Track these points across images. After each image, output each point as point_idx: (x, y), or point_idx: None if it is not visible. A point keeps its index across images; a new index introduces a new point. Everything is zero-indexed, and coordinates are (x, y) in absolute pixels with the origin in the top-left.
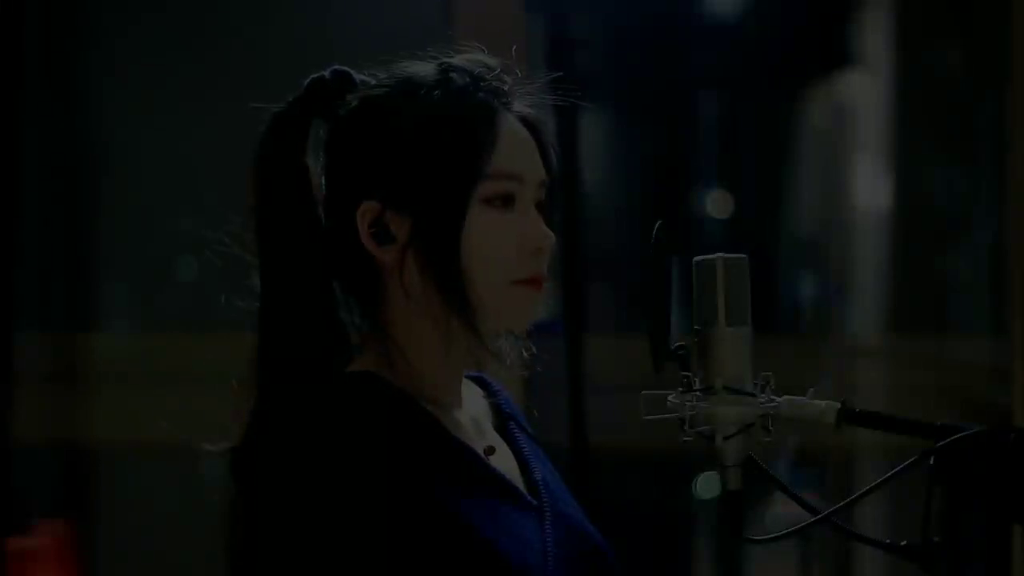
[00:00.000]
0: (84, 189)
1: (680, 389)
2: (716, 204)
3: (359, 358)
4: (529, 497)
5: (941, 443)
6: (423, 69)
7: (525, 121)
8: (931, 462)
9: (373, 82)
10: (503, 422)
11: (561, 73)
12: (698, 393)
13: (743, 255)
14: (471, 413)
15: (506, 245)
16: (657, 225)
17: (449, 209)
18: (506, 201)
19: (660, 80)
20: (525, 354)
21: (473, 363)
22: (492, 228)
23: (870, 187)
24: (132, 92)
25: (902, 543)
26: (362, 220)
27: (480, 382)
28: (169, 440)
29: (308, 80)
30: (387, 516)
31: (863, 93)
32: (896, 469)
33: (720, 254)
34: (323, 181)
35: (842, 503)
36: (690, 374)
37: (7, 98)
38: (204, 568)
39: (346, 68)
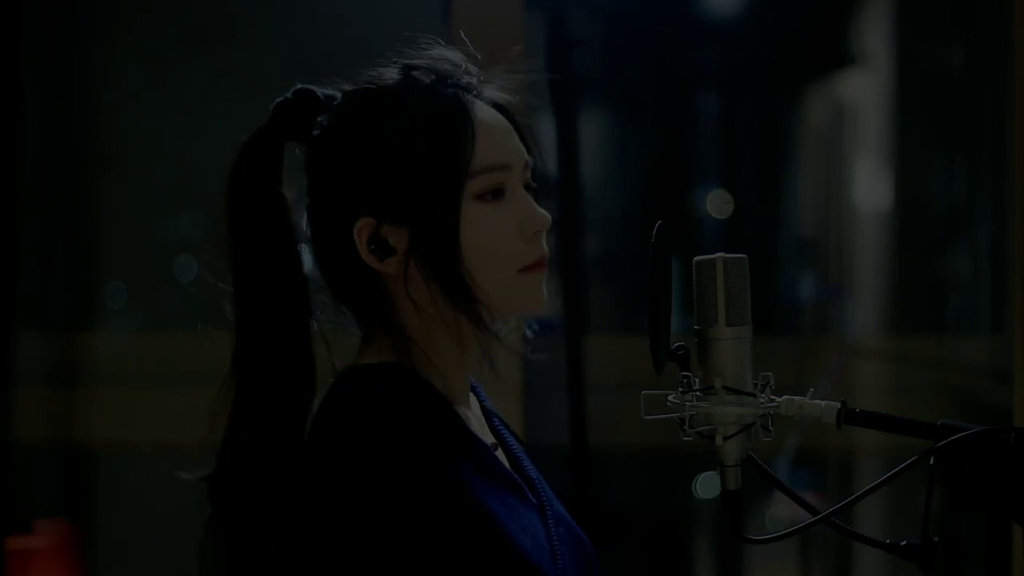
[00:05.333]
0: (84, 189)
1: (680, 389)
2: (716, 204)
3: (371, 351)
4: (530, 495)
5: (941, 443)
6: (387, 76)
7: (498, 107)
8: (931, 462)
9: (339, 96)
10: (489, 420)
11: (521, 49)
12: (698, 393)
13: (743, 255)
14: (474, 410)
15: (505, 236)
16: (657, 225)
17: (443, 213)
18: (496, 193)
19: (660, 80)
20: (529, 334)
21: (486, 363)
22: (489, 222)
23: (870, 187)
24: (132, 92)
25: (902, 543)
26: (359, 237)
27: None
28: (169, 440)
29: (274, 104)
30: (426, 504)
31: (863, 93)
32: (896, 469)
33: (720, 254)
34: (307, 202)
35: (842, 503)
36: (690, 374)
37: (7, 98)
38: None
39: (310, 87)
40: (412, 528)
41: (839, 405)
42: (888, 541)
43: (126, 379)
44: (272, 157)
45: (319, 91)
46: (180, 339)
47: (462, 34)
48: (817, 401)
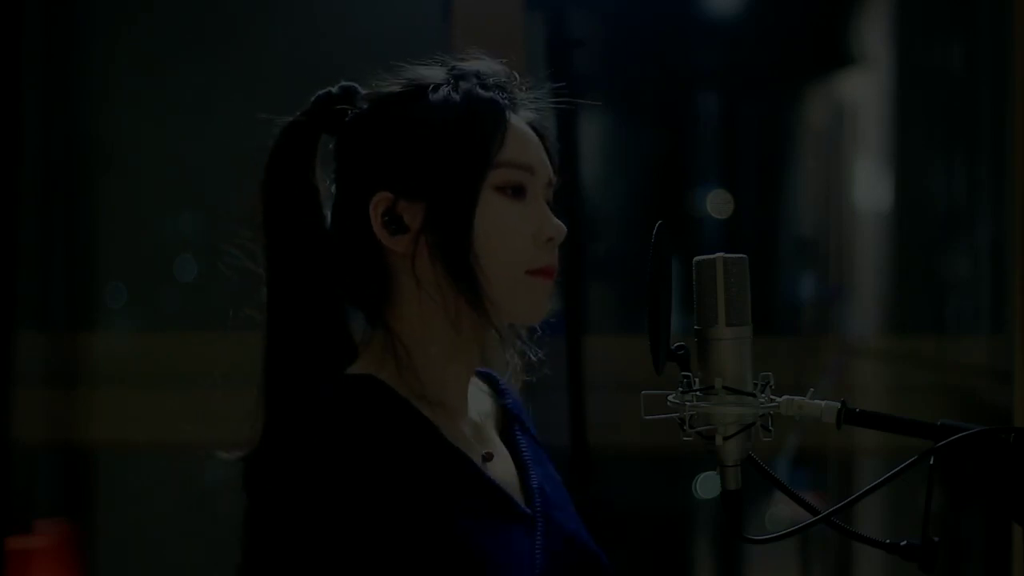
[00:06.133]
0: (84, 189)
1: (680, 389)
2: (716, 204)
3: (360, 360)
4: (522, 506)
5: (941, 443)
6: (430, 72)
7: (530, 126)
8: (931, 462)
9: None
10: (508, 423)
11: (564, 84)
12: (698, 393)
13: (743, 255)
14: (475, 415)
15: (519, 233)
16: (657, 225)
17: (462, 193)
18: (517, 191)
19: (660, 80)
20: (533, 359)
21: (481, 360)
22: (505, 215)
23: (870, 187)
24: (132, 92)
25: (902, 543)
26: (375, 211)
27: (489, 379)
28: (169, 440)
29: (316, 95)
30: (378, 523)
31: (863, 93)
32: (896, 469)
33: (720, 254)
34: (333, 184)
35: (842, 503)
36: (690, 374)
37: (7, 98)
38: (203, 567)
39: (353, 83)
40: (365, 542)
41: (839, 405)
42: (888, 541)
43: (126, 379)
44: (307, 147)
45: (361, 89)
46: (180, 339)
47: (497, 56)
48: (817, 401)
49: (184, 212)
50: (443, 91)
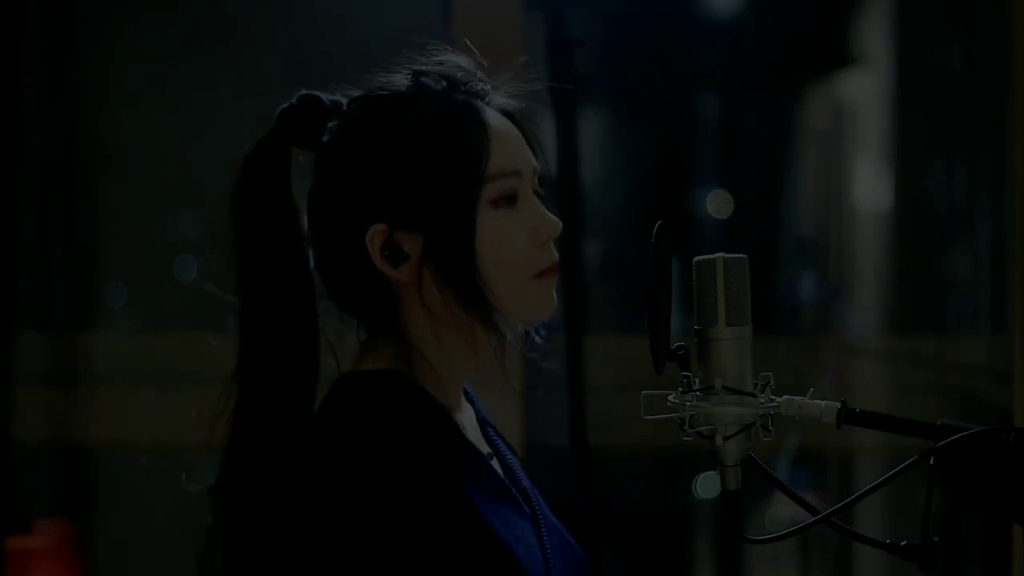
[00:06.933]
0: (84, 189)
1: (680, 389)
2: (716, 204)
3: (372, 357)
4: (524, 504)
5: (941, 443)
6: (396, 82)
7: (506, 113)
8: (931, 462)
9: (345, 102)
10: (483, 428)
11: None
12: (698, 393)
13: (743, 255)
14: (469, 419)
15: (518, 240)
16: (657, 225)
17: (459, 219)
18: (509, 199)
19: (660, 80)
20: (538, 339)
21: (499, 372)
22: (503, 228)
23: (870, 187)
24: (132, 92)
25: (902, 543)
26: (372, 244)
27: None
28: (169, 440)
29: (279, 111)
30: (423, 512)
31: (863, 93)
32: (896, 469)
33: (720, 254)
34: (313, 207)
35: (842, 503)
36: (690, 374)
37: (7, 98)
38: (203, 568)
39: (314, 92)
40: (407, 536)
41: (839, 405)
42: (888, 541)
43: (126, 379)
44: (279, 164)
45: (324, 97)
46: (180, 339)
47: (467, 42)
48: (817, 401)
49: (184, 212)
50: (419, 107)
